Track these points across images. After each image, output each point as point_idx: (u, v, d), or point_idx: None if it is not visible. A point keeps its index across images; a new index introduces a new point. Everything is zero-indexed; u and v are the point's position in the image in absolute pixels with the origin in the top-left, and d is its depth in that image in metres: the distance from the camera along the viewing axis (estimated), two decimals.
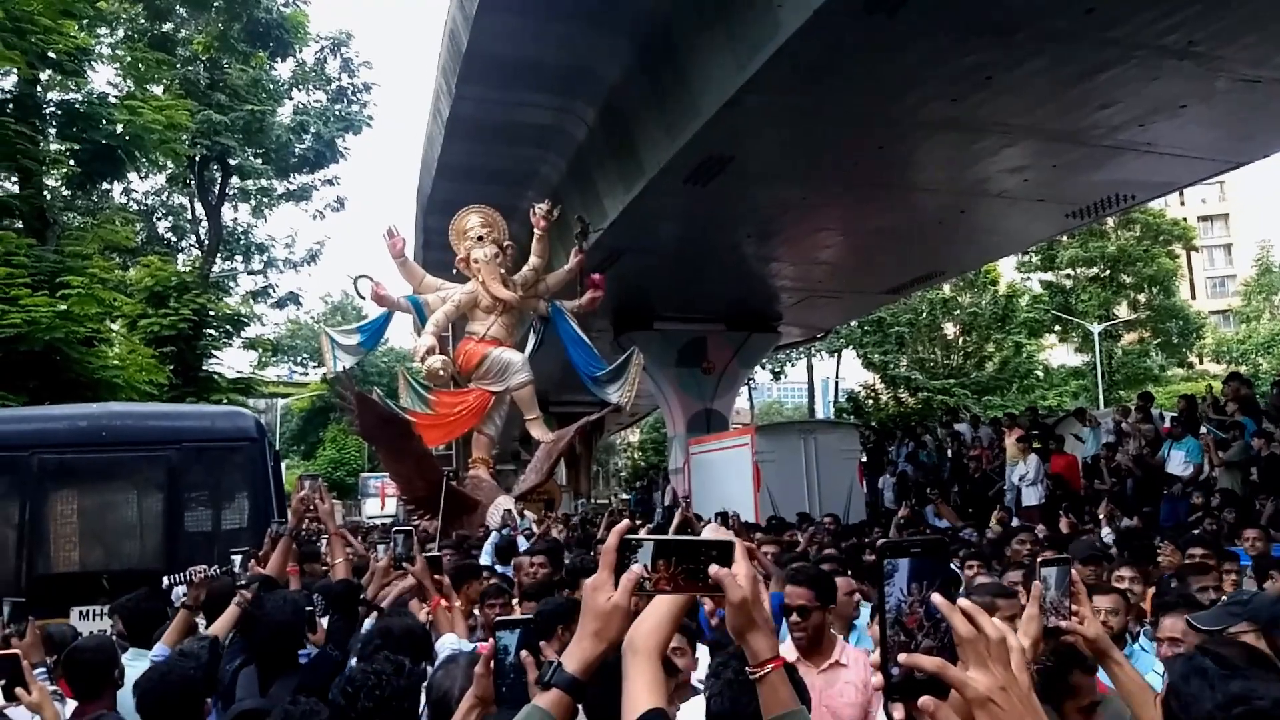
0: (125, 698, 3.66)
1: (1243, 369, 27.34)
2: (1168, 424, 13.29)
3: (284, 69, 25.18)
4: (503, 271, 14.39)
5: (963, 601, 1.10)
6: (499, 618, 2.60)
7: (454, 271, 14.91)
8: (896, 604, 1.13)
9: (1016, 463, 14.26)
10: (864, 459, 19.73)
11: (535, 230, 14.53)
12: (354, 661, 3.97)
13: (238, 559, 5.38)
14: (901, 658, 1.09)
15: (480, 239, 14.44)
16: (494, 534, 9.85)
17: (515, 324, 15.07)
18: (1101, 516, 10.42)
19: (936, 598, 1.09)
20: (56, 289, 12.21)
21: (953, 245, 18.75)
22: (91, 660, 3.78)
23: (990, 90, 11.23)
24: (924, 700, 1.06)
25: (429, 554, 5.77)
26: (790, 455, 16.08)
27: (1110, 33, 9.91)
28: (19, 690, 3.02)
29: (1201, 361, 41.05)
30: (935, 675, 1.06)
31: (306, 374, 49.61)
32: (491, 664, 2.01)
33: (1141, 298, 36.91)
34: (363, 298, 14.73)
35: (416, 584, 4.37)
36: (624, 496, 29.76)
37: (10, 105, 14.01)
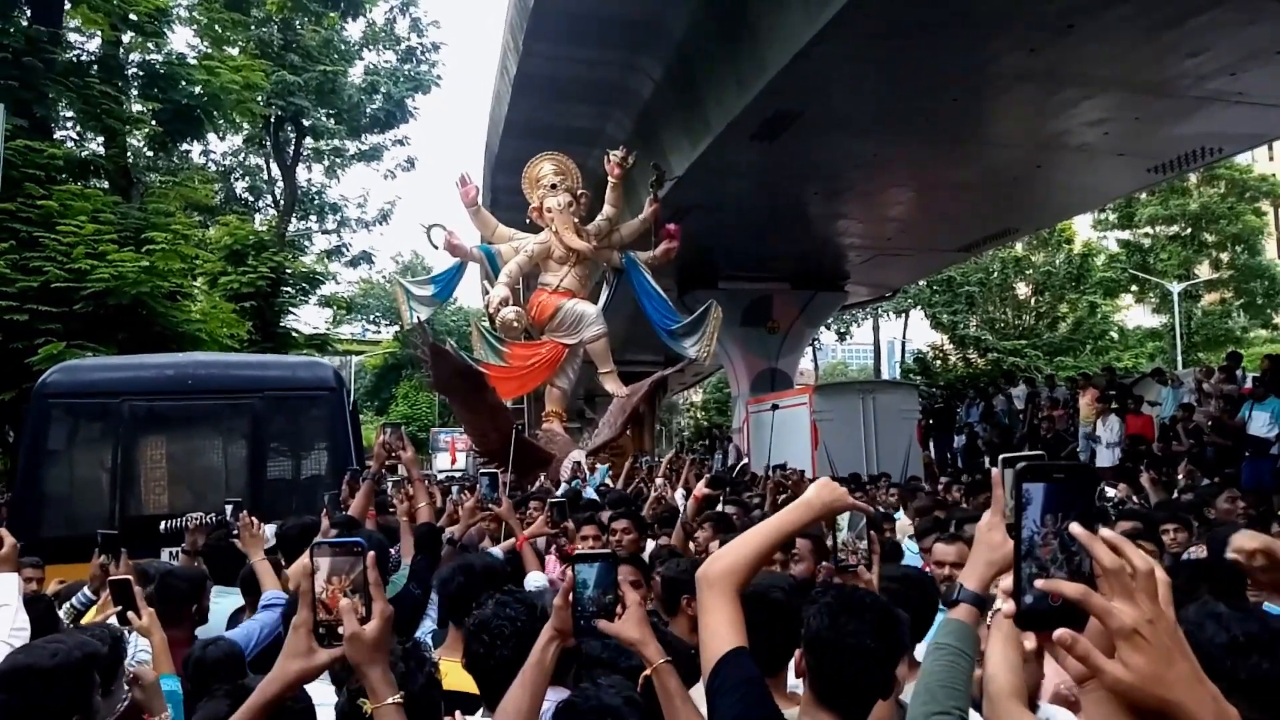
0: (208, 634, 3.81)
1: None
2: (1249, 384, 12.88)
3: (354, 29, 25.55)
4: (576, 221, 14.10)
5: (1104, 531, 1.04)
6: (577, 551, 2.64)
7: (527, 222, 14.73)
8: (1030, 535, 1.07)
9: (1090, 423, 13.99)
10: (931, 420, 19.55)
11: (610, 179, 14.22)
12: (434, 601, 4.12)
13: (229, 508, 5.50)
14: (1039, 583, 1.04)
15: (554, 187, 14.14)
16: (563, 486, 9.99)
17: (589, 275, 14.83)
18: (1180, 478, 10.16)
19: (1075, 527, 1.03)
20: (141, 245, 12.60)
21: (1028, 202, 18.28)
22: (178, 587, 3.94)
23: (1071, 39, 10.86)
24: (1060, 633, 1.01)
25: (555, 499, 5.90)
26: (848, 415, 16.00)
27: None
28: (130, 614, 3.16)
29: None
30: (1077, 602, 1.01)
31: (379, 332, 50.69)
32: (570, 596, 2.03)
33: (1224, 256, 35.42)
34: (435, 247, 14.60)
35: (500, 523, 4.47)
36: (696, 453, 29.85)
37: (95, 66, 14.43)
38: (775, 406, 14.49)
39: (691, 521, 5.07)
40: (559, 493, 9.30)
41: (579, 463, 11.53)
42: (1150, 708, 1.00)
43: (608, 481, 10.49)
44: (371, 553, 1.66)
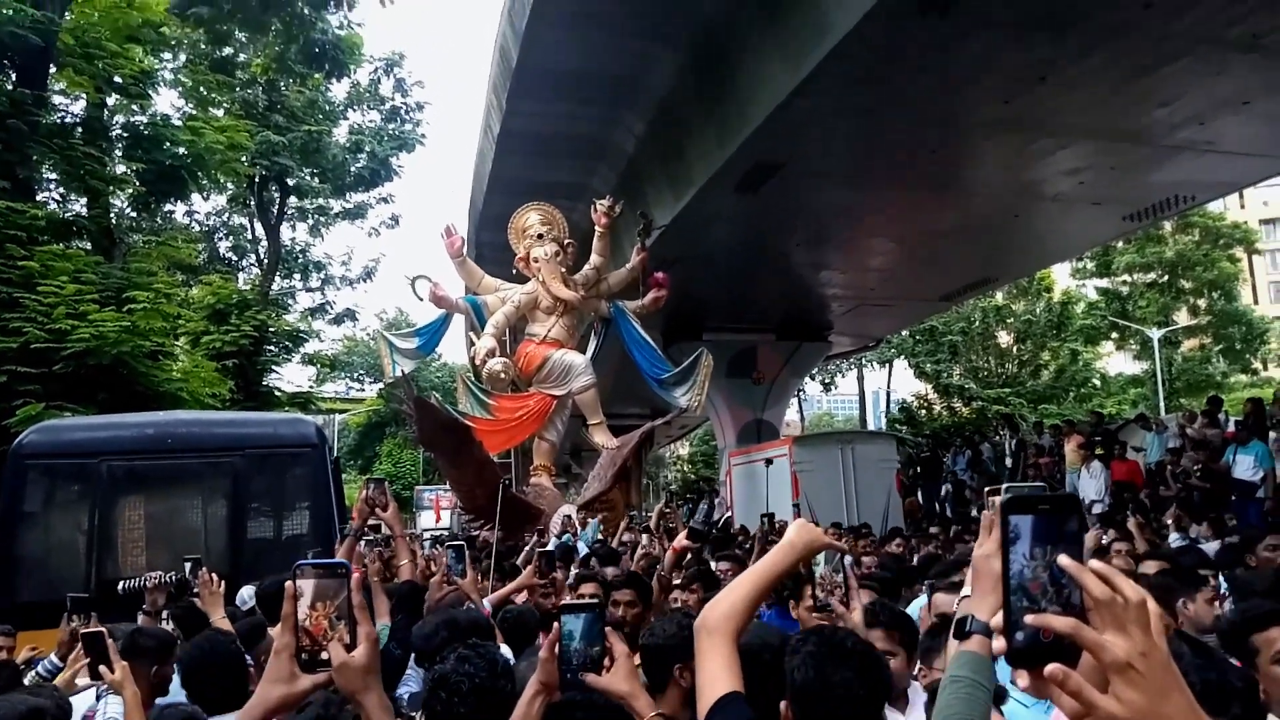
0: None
1: None
2: (1231, 428, 12.93)
3: (339, 90, 25.84)
4: (563, 270, 13.94)
5: (1094, 563, 1.01)
6: (564, 602, 2.57)
7: (514, 273, 14.58)
8: (1020, 569, 1.05)
9: (1077, 470, 13.99)
10: (917, 469, 19.52)
11: (597, 228, 14.09)
12: (413, 664, 4.01)
13: (188, 565, 5.37)
14: (1029, 618, 1.01)
15: (540, 236, 14.01)
16: (553, 540, 9.87)
17: (576, 325, 14.62)
18: (1169, 523, 10.13)
19: (1064, 559, 1.01)
20: (123, 305, 12.54)
21: (1007, 251, 18.48)
22: (145, 645, 3.82)
23: (1045, 89, 11.06)
24: (1052, 668, 0.97)
25: (545, 549, 5.74)
26: (828, 465, 16.03)
27: (1171, 26, 9.70)
28: (102, 668, 3.08)
29: (1266, 368, 39.77)
30: (1069, 637, 0.98)
31: (363, 390, 50.49)
32: (556, 649, 1.96)
33: (1202, 303, 35.92)
34: (420, 298, 14.40)
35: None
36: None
37: (79, 128, 14.49)
38: (769, 461, 14.49)
39: (669, 574, 4.95)
40: (552, 546, 9.20)
41: (569, 516, 11.37)
42: None
43: (599, 536, 10.35)
44: (356, 575, 1.62)
